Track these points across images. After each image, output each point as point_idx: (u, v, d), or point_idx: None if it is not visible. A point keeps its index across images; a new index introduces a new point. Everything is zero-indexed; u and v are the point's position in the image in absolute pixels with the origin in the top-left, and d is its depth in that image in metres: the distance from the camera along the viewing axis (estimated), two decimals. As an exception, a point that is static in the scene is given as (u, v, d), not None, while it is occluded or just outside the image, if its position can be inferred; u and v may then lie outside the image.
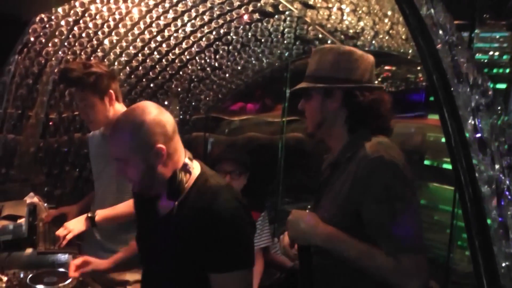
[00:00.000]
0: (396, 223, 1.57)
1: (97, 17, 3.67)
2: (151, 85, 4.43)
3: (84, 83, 2.58)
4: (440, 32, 1.10)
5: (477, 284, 0.89)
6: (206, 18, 3.94)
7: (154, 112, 1.79)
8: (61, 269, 2.47)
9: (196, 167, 1.89)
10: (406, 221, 1.58)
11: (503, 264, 0.95)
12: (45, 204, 3.29)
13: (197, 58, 4.40)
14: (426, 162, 4.52)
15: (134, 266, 2.34)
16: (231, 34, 4.20)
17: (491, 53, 4.02)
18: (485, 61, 4.07)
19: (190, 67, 4.47)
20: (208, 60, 4.49)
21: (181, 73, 4.48)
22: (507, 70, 4.04)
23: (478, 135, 1.01)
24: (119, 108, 2.73)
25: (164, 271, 1.91)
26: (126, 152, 1.76)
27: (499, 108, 1.27)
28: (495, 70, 4.15)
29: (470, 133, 0.99)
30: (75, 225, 2.57)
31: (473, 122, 1.01)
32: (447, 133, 0.95)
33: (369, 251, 1.63)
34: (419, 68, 4.66)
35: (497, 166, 1.04)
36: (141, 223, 2.09)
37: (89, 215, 2.60)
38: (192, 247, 1.76)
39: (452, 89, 0.98)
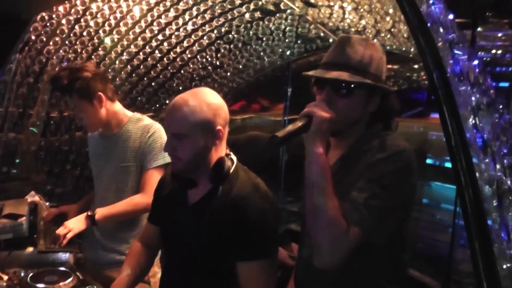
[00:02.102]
0: (372, 204, 1.50)
1: (98, 15, 3.67)
2: (153, 83, 4.43)
3: (71, 89, 2.62)
4: (441, 30, 1.09)
5: (477, 286, 0.87)
6: (207, 16, 3.93)
7: (218, 96, 1.94)
8: (62, 268, 2.48)
9: (234, 158, 2.01)
10: (381, 210, 1.50)
11: (504, 266, 0.94)
12: (47, 203, 3.29)
13: (198, 56, 4.40)
14: (429, 161, 4.50)
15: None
16: (233, 33, 4.19)
17: (493, 51, 4.01)
18: (488, 59, 4.05)
19: (191, 65, 4.46)
20: (209, 59, 4.48)
21: (182, 71, 4.47)
22: (510, 69, 4.03)
23: (479, 134, 1.00)
24: (114, 107, 2.75)
25: (189, 259, 1.98)
26: (190, 128, 1.85)
27: (500, 107, 1.26)
28: (498, 69, 4.14)
29: (470, 132, 0.97)
30: (75, 224, 2.57)
31: (473, 121, 1.00)
32: (447, 132, 0.93)
33: (335, 201, 1.51)
34: (416, 66, 4.64)
35: (498, 166, 1.03)
36: (165, 213, 2.15)
37: (89, 213, 2.60)
38: (222, 234, 1.86)
39: (452, 87, 0.96)
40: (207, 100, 1.88)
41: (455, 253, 3.45)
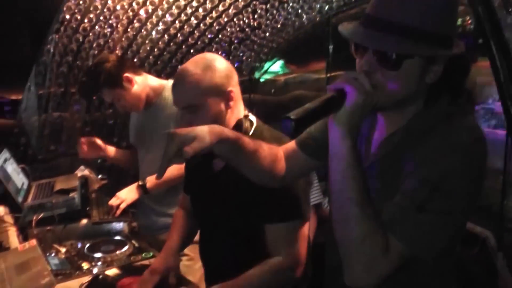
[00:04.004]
0: (425, 214, 1.11)
1: (131, -13, 3.65)
2: (191, 50, 4.40)
3: (100, 86, 2.65)
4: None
5: None
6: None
7: (221, 58, 1.85)
8: (117, 237, 2.52)
9: (254, 119, 1.93)
10: (436, 223, 1.12)
11: None
12: (99, 176, 3.37)
13: (235, 19, 4.33)
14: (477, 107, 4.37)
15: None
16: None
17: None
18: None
19: (228, 29, 4.41)
20: (246, 21, 4.41)
21: (220, 36, 4.43)
22: None
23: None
24: (144, 80, 2.78)
25: (220, 225, 1.95)
26: (200, 96, 1.77)
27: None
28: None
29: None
30: (128, 194, 2.64)
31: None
32: (495, 67, 0.87)
33: (372, 209, 1.14)
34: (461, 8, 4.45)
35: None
36: (193, 182, 2.14)
37: (140, 183, 2.64)
38: (247, 198, 1.80)
39: (499, 19, 0.90)
40: (210, 64, 1.79)
41: (507, 200, 3.34)
